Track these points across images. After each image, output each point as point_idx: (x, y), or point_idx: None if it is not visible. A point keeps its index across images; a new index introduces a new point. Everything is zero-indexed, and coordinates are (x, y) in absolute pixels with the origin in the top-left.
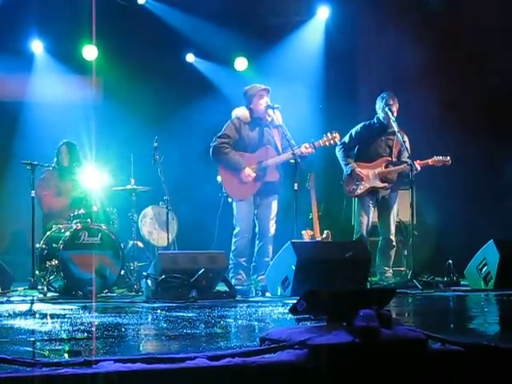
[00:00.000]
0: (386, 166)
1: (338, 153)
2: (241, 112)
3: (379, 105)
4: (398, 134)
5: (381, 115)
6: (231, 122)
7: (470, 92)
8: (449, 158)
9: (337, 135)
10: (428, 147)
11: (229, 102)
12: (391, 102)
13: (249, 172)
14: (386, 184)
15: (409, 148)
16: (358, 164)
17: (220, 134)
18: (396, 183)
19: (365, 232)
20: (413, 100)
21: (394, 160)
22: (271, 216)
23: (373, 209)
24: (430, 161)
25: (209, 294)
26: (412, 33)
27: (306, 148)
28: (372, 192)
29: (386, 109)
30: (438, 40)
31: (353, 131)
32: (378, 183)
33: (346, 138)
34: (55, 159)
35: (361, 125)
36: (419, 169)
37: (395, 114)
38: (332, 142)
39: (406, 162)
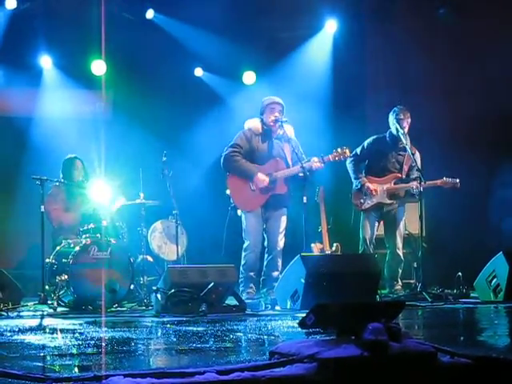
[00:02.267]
0: (395, 183)
1: (349, 165)
2: (253, 124)
3: (391, 119)
4: (407, 148)
5: (393, 129)
6: (242, 132)
7: (480, 106)
8: (458, 180)
9: (347, 151)
10: (437, 160)
11: (237, 116)
12: (402, 117)
13: (263, 177)
14: (394, 201)
15: (419, 165)
16: (368, 178)
17: (231, 143)
18: (403, 199)
19: (368, 245)
20: (422, 114)
21: (403, 177)
22: (280, 229)
23: (377, 223)
24: (438, 182)
25: (218, 308)
26: (421, 46)
27: (316, 162)
28: (378, 206)
29: (395, 121)
30: (448, 54)
31: (365, 143)
32: (385, 200)
33: (358, 150)
34: (61, 174)
35: (373, 137)
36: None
37: (406, 130)
38: (342, 157)
39: (415, 180)
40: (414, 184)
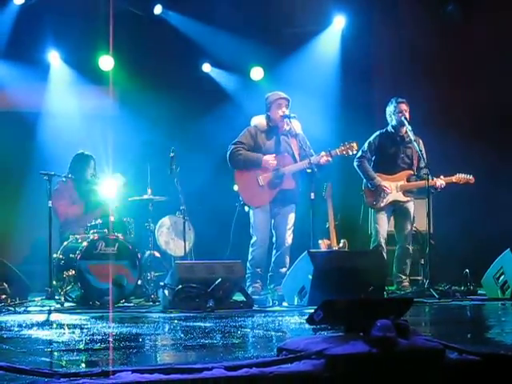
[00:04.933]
0: (408, 180)
1: (359, 167)
2: (258, 120)
3: (390, 111)
4: (415, 144)
5: (393, 121)
6: (247, 129)
7: (490, 102)
8: (472, 176)
9: (354, 145)
10: (446, 156)
11: (245, 112)
12: (406, 108)
13: (269, 157)
14: (409, 198)
15: (425, 155)
16: (380, 176)
17: (234, 140)
18: (416, 195)
19: (382, 241)
20: (429, 109)
21: (415, 172)
22: (288, 226)
23: (390, 218)
24: (453, 178)
25: (226, 304)
26: (428, 42)
27: (323, 157)
28: (392, 204)
29: (402, 119)
30: (455, 49)
31: (370, 139)
32: (401, 197)
33: (365, 147)
34: (68, 169)
35: (377, 133)
36: (443, 184)
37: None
38: (349, 151)
39: (424, 169)
40: (438, 183)
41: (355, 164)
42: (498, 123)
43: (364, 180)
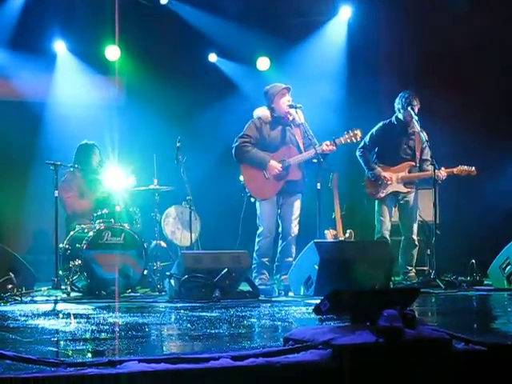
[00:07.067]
0: (410, 171)
1: (361, 158)
2: (262, 112)
3: (400, 104)
4: (422, 134)
5: (400, 114)
6: (252, 121)
7: (496, 93)
8: (474, 168)
9: (358, 132)
10: (451, 146)
11: (251, 102)
12: (415, 103)
13: (275, 164)
14: (410, 189)
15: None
16: (381, 167)
17: (241, 134)
18: (418, 184)
19: (386, 232)
20: (436, 100)
21: (417, 163)
22: (294, 216)
23: (394, 209)
24: (455, 170)
25: (232, 294)
26: (435, 32)
27: (328, 146)
28: (393, 194)
29: (409, 109)
30: (462, 39)
31: (373, 130)
32: (401, 188)
33: (367, 138)
34: (73, 159)
35: (380, 124)
36: (445, 176)
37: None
38: (354, 138)
39: (429, 161)
40: (441, 174)
41: (357, 154)
42: (505, 113)
43: (366, 170)
